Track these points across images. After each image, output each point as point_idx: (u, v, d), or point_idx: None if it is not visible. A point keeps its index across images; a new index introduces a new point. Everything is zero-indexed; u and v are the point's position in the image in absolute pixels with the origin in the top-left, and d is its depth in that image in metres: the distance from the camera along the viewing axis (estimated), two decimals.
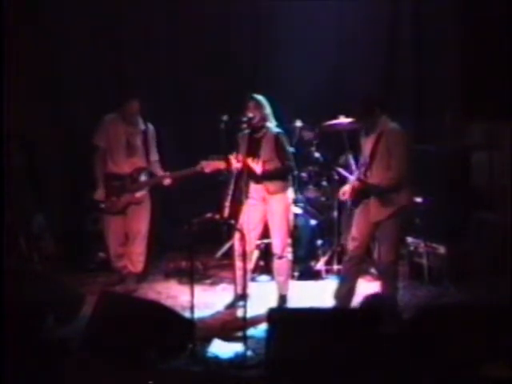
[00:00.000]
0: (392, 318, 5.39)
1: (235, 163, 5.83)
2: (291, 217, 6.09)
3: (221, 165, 5.96)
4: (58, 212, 7.33)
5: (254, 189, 5.89)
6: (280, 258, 5.92)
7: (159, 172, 6.47)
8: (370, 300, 5.25)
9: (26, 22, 7.17)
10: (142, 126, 6.44)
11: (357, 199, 5.58)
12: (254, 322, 5.40)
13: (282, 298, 5.98)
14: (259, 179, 5.83)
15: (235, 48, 8.02)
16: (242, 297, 5.51)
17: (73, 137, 7.39)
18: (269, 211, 5.89)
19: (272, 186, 5.85)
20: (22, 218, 6.44)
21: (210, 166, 6.00)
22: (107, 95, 7.24)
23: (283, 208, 5.90)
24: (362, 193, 5.50)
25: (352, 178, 5.84)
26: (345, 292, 5.64)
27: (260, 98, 5.86)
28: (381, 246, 5.62)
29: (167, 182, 6.39)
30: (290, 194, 6.08)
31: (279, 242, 5.90)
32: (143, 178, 6.43)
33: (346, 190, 5.62)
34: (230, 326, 5.50)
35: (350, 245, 5.73)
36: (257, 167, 5.75)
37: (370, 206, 5.47)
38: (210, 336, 5.11)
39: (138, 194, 6.38)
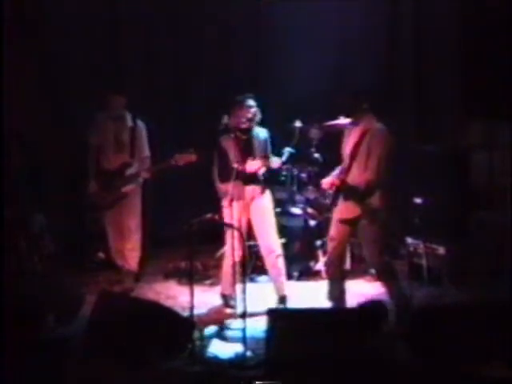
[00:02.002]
0: (404, 316, 5.36)
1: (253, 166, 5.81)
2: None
3: (192, 158, 6.13)
4: (57, 212, 7.32)
5: (244, 190, 5.83)
6: (278, 256, 5.90)
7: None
8: (369, 305, 5.26)
9: (27, 22, 7.16)
10: (129, 123, 6.50)
11: (336, 196, 5.44)
12: (254, 322, 5.40)
13: (282, 299, 5.95)
14: (250, 180, 5.81)
15: (235, 48, 8.02)
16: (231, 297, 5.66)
17: (73, 137, 7.38)
18: (259, 211, 5.87)
19: (261, 185, 5.88)
20: (21, 217, 6.43)
21: (182, 158, 6.16)
22: (107, 95, 7.22)
23: (271, 205, 5.96)
24: (340, 191, 5.38)
25: (335, 172, 5.69)
26: (337, 293, 5.55)
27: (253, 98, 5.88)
28: (365, 250, 5.56)
29: (145, 175, 6.49)
30: None
31: (275, 239, 5.91)
32: (132, 171, 6.48)
33: (326, 181, 5.49)
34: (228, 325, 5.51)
35: (329, 246, 5.64)
36: (274, 162, 5.76)
37: (340, 204, 5.39)
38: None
39: (124, 189, 6.44)
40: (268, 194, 5.97)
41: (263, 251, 5.98)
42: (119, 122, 6.49)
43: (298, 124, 6.97)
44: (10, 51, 6.42)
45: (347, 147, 5.42)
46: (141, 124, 6.55)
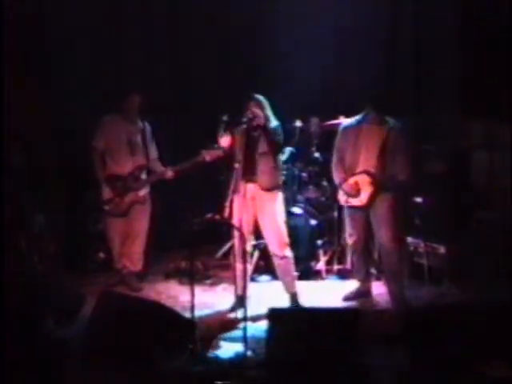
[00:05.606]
0: (398, 315, 5.43)
1: (223, 142, 5.77)
2: (284, 216, 5.92)
3: (220, 153, 5.93)
4: (58, 212, 7.32)
5: (246, 186, 5.72)
6: (282, 258, 5.82)
7: (159, 169, 6.48)
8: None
9: (27, 21, 7.16)
10: (140, 124, 6.46)
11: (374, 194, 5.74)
12: (254, 322, 5.41)
13: (293, 296, 5.90)
14: (252, 175, 5.73)
15: (235, 48, 8.02)
16: (242, 298, 5.50)
17: (73, 137, 7.38)
18: (261, 210, 5.75)
19: (266, 182, 5.72)
20: (21, 217, 6.43)
21: (210, 154, 5.95)
22: (108, 95, 7.23)
23: (278, 206, 5.79)
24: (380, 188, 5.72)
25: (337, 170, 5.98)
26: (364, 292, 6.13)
27: (261, 97, 5.83)
28: (379, 230, 5.83)
29: (169, 175, 6.35)
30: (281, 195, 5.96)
31: (277, 242, 5.79)
32: (144, 175, 6.44)
33: (356, 193, 5.77)
34: (230, 325, 5.51)
35: (349, 240, 6.06)
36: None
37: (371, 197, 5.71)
38: (209, 336, 5.12)
39: (142, 193, 6.39)
40: (274, 194, 5.77)
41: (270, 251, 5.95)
42: (131, 123, 6.42)
43: (298, 124, 7.00)
44: (10, 51, 6.43)
45: (365, 145, 5.74)
46: (147, 125, 6.51)
